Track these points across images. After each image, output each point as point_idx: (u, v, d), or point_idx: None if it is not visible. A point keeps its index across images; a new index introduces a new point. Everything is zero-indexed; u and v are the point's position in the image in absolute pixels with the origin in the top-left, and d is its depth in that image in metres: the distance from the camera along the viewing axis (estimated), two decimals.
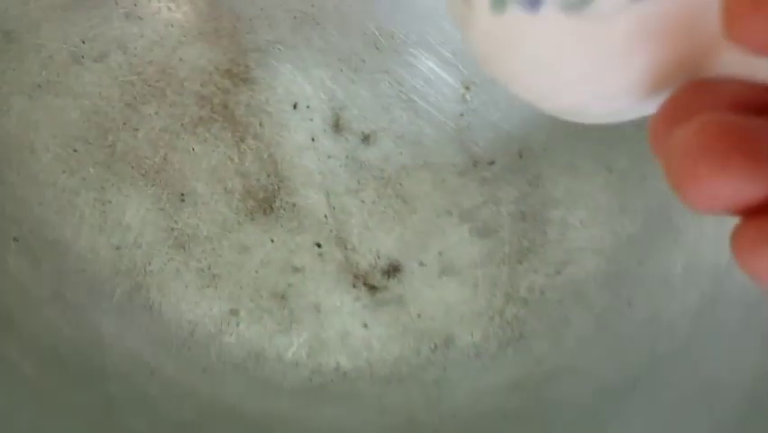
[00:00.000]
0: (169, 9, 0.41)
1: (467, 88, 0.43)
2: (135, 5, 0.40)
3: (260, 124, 0.41)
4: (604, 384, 0.29)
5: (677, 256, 0.32)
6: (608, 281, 0.33)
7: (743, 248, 0.13)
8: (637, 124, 0.37)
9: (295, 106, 0.43)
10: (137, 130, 0.38)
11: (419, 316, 0.34)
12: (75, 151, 0.36)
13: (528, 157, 0.40)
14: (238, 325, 0.33)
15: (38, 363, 0.25)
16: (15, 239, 0.31)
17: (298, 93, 0.43)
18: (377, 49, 0.44)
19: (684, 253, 0.32)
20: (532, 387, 0.30)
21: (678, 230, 0.33)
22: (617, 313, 0.32)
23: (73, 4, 0.38)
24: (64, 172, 0.35)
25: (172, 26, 0.41)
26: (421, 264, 0.37)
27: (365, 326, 0.34)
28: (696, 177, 0.12)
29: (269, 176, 0.40)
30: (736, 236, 0.13)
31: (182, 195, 0.37)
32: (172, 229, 0.36)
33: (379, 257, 0.37)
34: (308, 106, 0.43)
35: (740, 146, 0.12)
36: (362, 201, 0.40)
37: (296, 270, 0.36)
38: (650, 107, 0.16)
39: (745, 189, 0.12)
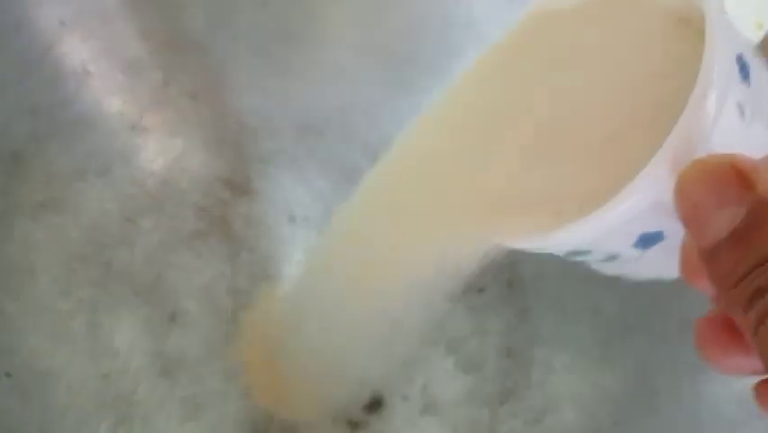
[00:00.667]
0: (175, 120, 0.42)
1: None
2: (141, 117, 0.41)
3: (256, 238, 0.42)
4: None
5: (651, 426, 0.32)
6: None
7: (762, 400, 0.17)
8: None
9: (293, 219, 0.43)
10: (133, 246, 0.39)
11: None
12: (73, 270, 0.37)
13: (517, 287, 0.40)
14: None
15: None
16: (8, 374, 0.32)
17: (297, 204, 0.44)
18: (376, 161, 0.44)
19: (659, 424, 0.32)
20: None
21: (654, 393, 0.33)
22: None
23: (79, 120, 0.39)
24: (61, 295, 0.36)
25: (177, 136, 0.42)
26: (404, 399, 0.37)
27: None
28: (708, 358, 0.18)
29: (260, 294, 0.40)
30: (757, 390, 0.17)
31: (173, 315, 0.38)
32: (160, 353, 0.37)
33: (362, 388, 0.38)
34: (306, 218, 0.44)
35: (731, 341, 0.17)
36: None
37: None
38: None
39: (745, 365, 0.17)
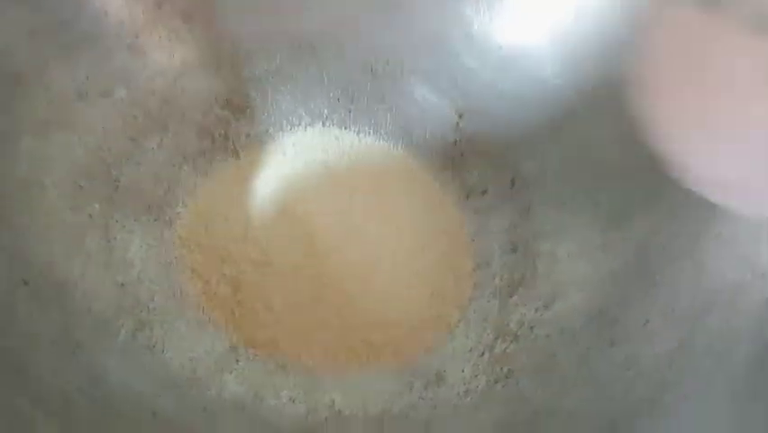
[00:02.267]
0: (170, 40, 0.42)
1: (460, 116, 0.44)
2: (137, 38, 0.41)
3: (262, 154, 0.43)
4: (584, 429, 0.30)
5: (656, 298, 0.33)
6: (592, 319, 0.34)
7: None
8: (622, 163, 0.38)
9: (294, 136, 0.44)
10: (140, 164, 0.39)
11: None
12: (80, 187, 0.37)
13: (519, 186, 0.41)
14: (238, 362, 0.34)
15: (49, 415, 0.27)
16: (25, 282, 0.32)
17: (296, 122, 0.44)
18: (373, 77, 0.45)
19: (662, 295, 0.33)
20: (518, 428, 0.31)
21: (657, 269, 0.34)
22: (600, 353, 0.33)
23: (78, 41, 0.39)
24: (71, 210, 0.36)
25: (173, 57, 0.42)
26: None
27: None
28: None
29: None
30: None
31: (184, 228, 0.39)
32: (174, 265, 0.37)
33: None
34: (306, 135, 0.44)
35: None
36: None
37: None
38: None
39: None
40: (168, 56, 0.42)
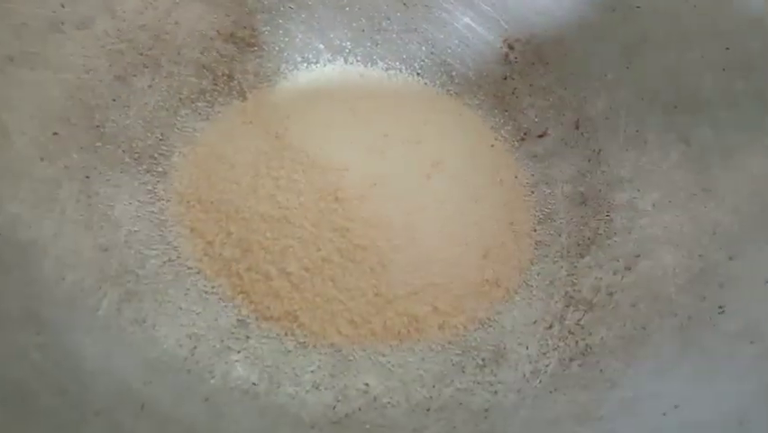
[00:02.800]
0: None
1: (510, 47, 0.37)
2: None
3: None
4: (697, 421, 0.23)
5: None
6: (692, 281, 0.27)
7: None
8: (718, 93, 0.31)
9: (311, 73, 0.37)
10: (128, 107, 0.33)
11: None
12: (55, 134, 0.31)
13: (586, 127, 0.34)
14: (248, 339, 0.27)
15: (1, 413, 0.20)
16: None
17: (314, 59, 0.37)
18: (404, 3, 0.38)
19: None
20: (605, 418, 0.24)
21: None
22: (706, 323, 0.26)
23: None
24: (43, 160, 0.30)
25: None
26: None
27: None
28: None
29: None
30: None
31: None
32: (168, 223, 0.31)
33: None
34: (324, 73, 0.37)
35: None
36: None
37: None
38: None
39: None
40: None
